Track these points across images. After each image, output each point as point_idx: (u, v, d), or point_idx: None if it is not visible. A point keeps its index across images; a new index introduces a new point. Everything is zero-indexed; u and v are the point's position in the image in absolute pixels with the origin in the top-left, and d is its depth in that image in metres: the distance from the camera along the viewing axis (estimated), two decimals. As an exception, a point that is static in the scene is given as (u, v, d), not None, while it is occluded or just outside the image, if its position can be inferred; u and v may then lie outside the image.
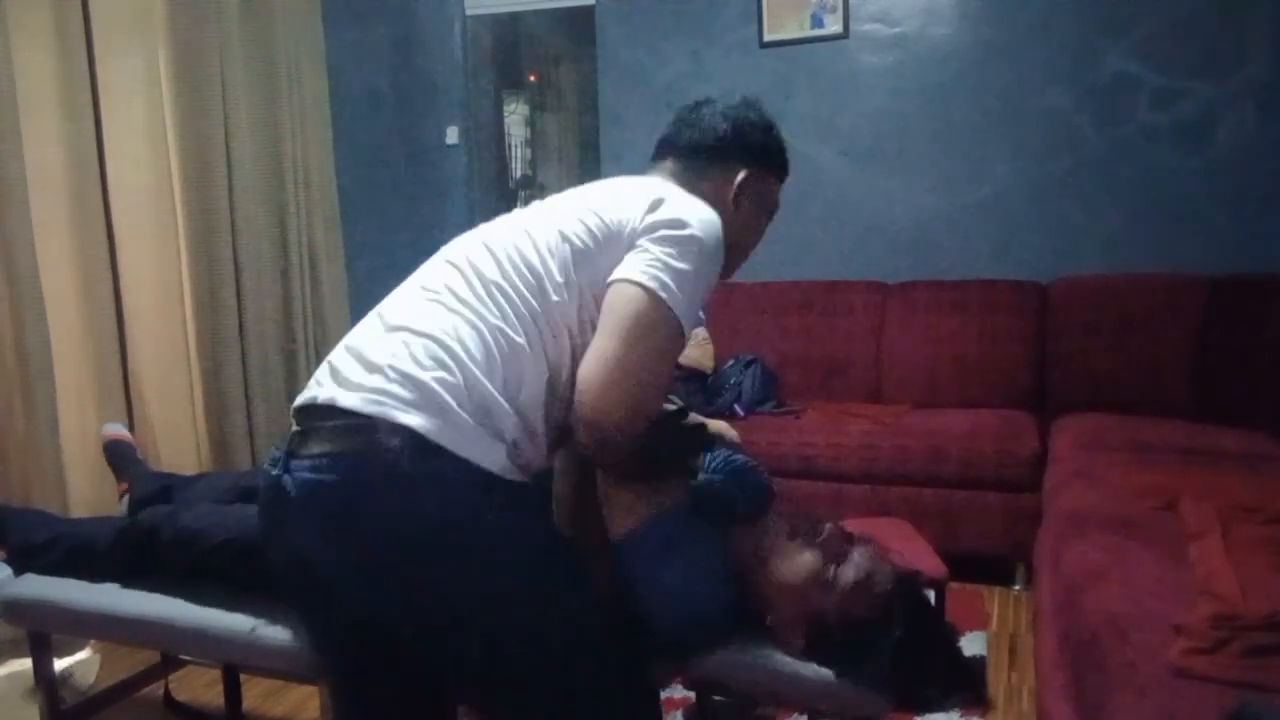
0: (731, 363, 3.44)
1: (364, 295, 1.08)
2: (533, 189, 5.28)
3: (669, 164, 1.39)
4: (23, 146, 2.53)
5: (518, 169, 5.29)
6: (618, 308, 1.13)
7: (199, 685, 2.36)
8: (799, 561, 1.30)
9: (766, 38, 3.67)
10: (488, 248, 1.20)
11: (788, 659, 1.32)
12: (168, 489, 1.97)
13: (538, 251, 1.18)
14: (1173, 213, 3.28)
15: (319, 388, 1.15)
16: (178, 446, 3.18)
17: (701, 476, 1.54)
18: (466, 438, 1.07)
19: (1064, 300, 3.27)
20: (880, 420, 3.10)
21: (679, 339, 1.17)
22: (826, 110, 3.61)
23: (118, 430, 2.27)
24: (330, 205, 3.82)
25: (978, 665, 2.33)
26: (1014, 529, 2.80)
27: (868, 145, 3.61)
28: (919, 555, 2.06)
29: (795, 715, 2.05)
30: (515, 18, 4.52)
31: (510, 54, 5.11)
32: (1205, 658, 1.29)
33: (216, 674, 2.25)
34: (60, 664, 2.08)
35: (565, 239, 1.18)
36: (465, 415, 1.08)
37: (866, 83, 3.59)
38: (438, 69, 4.15)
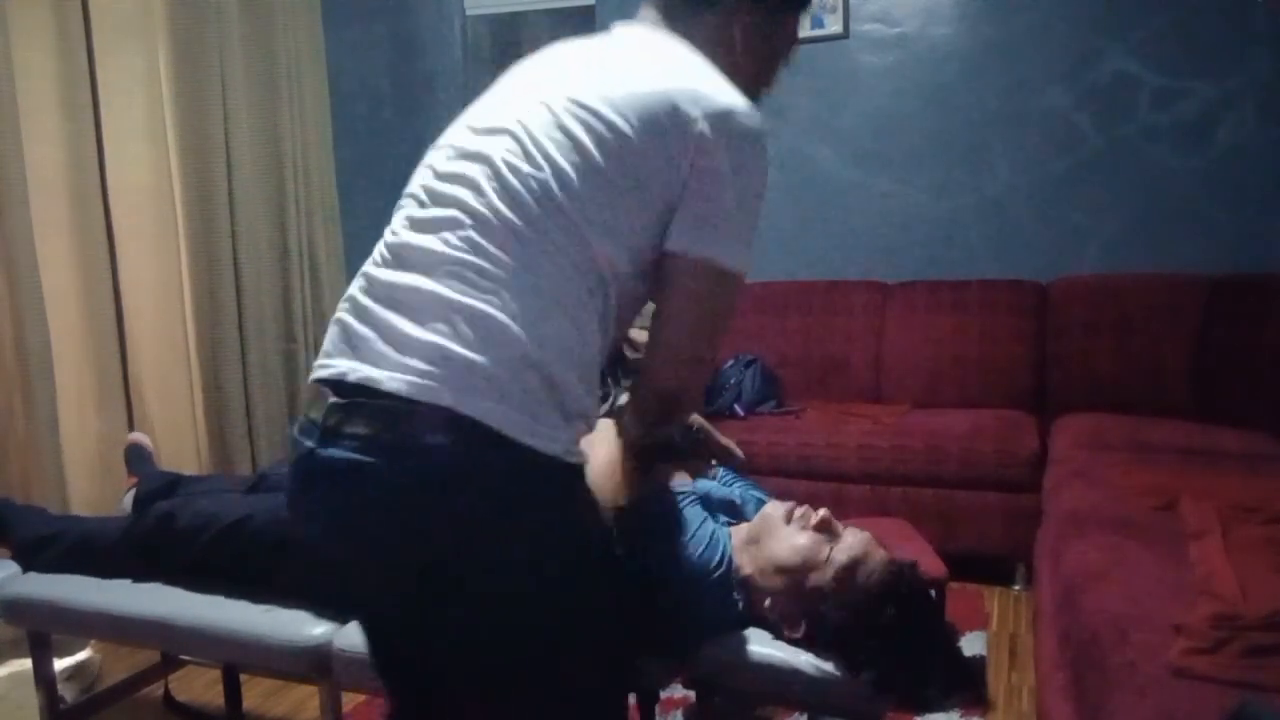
0: (731, 363, 3.43)
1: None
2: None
3: (660, 1, 1.21)
4: (23, 146, 2.53)
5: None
6: (687, 287, 1.09)
7: (199, 685, 2.36)
8: (795, 540, 1.34)
9: (766, 38, 3.67)
10: (504, 187, 1.06)
11: (787, 659, 1.33)
12: (173, 484, 1.98)
13: (566, 191, 1.05)
14: (1173, 213, 3.28)
15: (345, 362, 1.05)
16: (178, 446, 3.18)
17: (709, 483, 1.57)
18: (528, 418, 1.00)
19: (1064, 300, 3.27)
20: (880, 420, 3.09)
21: (741, 289, 1.14)
22: (826, 110, 3.60)
23: (141, 437, 2.33)
24: (330, 205, 3.82)
25: (978, 665, 2.34)
26: (1014, 529, 2.80)
27: (868, 145, 3.60)
28: (919, 555, 2.06)
29: (795, 715, 2.05)
30: (515, 18, 4.51)
31: (510, 54, 5.11)
32: (1205, 658, 1.29)
33: (216, 674, 2.25)
34: (60, 664, 2.07)
35: (594, 169, 1.05)
36: (525, 394, 1.00)
37: (866, 83, 3.59)
38: (438, 69, 4.15)
